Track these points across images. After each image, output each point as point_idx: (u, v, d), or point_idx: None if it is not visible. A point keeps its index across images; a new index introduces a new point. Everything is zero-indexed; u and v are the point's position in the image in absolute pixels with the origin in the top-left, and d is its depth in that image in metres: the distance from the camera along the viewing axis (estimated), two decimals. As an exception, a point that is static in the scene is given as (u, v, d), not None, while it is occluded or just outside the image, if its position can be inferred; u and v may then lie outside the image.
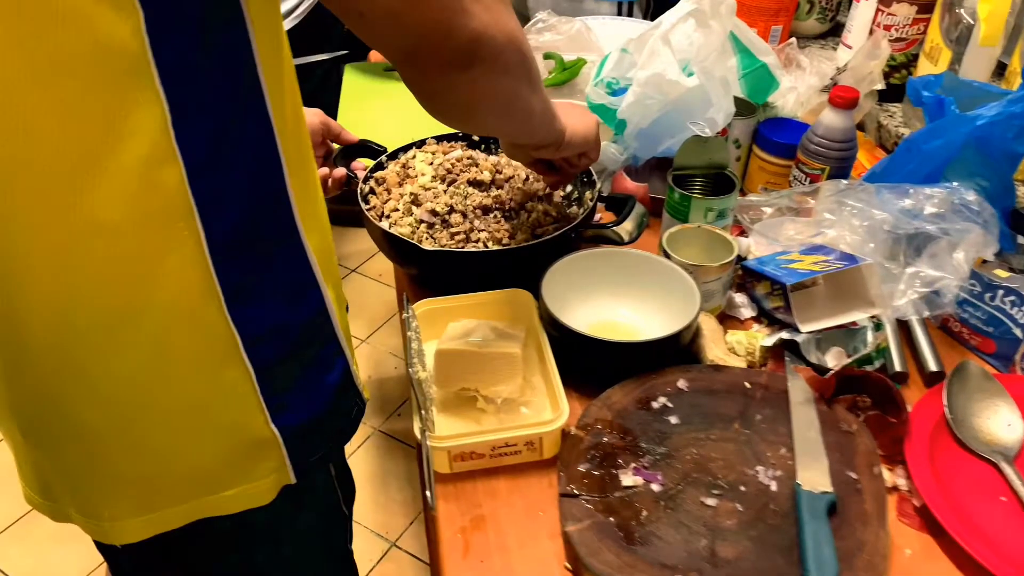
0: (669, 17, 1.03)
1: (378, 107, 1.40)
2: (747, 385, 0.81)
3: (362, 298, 2.19)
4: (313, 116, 1.00)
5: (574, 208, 1.03)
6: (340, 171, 0.99)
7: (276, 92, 0.57)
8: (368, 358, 2.05)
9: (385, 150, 1.05)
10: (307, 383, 0.67)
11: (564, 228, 0.93)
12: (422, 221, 0.94)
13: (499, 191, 0.98)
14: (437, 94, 0.60)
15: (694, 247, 0.93)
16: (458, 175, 1.00)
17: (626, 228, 0.99)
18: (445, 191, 0.98)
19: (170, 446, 0.62)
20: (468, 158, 1.02)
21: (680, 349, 0.84)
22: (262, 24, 0.54)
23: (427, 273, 0.97)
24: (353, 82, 1.45)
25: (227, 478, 0.65)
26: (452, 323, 0.85)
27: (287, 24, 1.68)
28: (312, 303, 0.65)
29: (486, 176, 1.00)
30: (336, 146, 1.04)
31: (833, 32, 1.52)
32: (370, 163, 1.04)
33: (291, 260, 0.62)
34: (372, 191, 1.01)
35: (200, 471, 0.64)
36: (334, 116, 1.30)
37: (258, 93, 0.55)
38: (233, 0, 0.51)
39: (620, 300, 0.92)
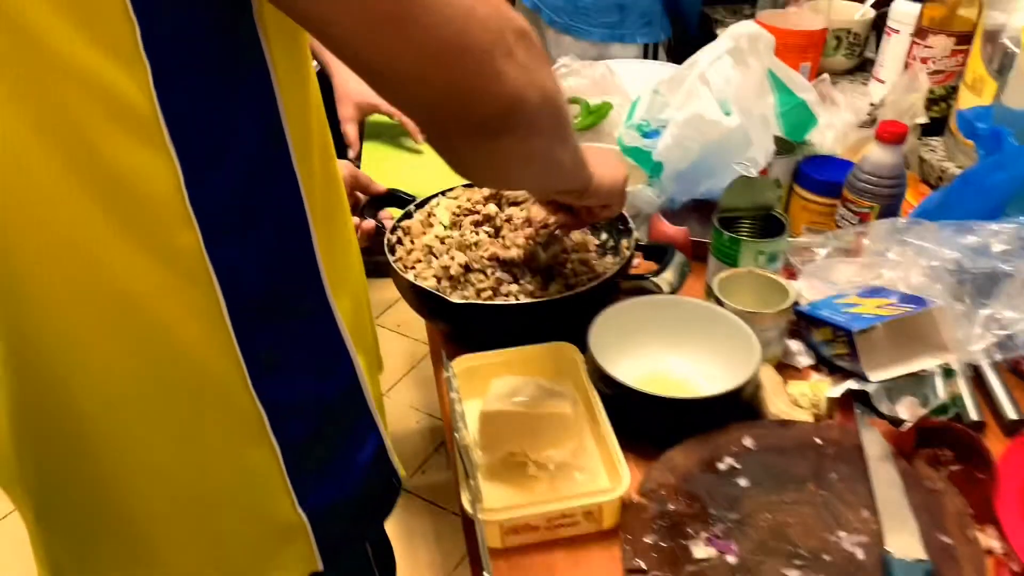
0: (705, 56, 1.00)
1: (403, 154, 1.36)
2: (818, 441, 0.75)
3: (381, 350, 2.14)
4: (342, 168, 0.96)
5: (609, 257, 0.98)
6: (369, 223, 0.95)
7: (303, 145, 0.52)
8: (388, 412, 1.98)
9: (414, 199, 1.02)
10: (337, 461, 0.62)
11: (602, 279, 0.88)
12: (438, 277, 0.90)
13: (514, 236, 0.93)
14: (463, 159, 0.52)
15: (746, 292, 0.88)
16: (463, 219, 0.96)
17: (666, 278, 0.93)
18: (461, 240, 0.93)
19: (189, 528, 0.57)
20: (489, 199, 0.98)
21: (741, 403, 0.78)
22: (287, 69, 0.49)
23: (458, 328, 0.92)
24: (377, 128, 1.41)
25: (249, 565, 0.60)
26: (495, 379, 0.80)
27: None
28: (342, 375, 0.60)
29: (491, 210, 0.96)
30: (363, 197, 1.00)
31: (861, 68, 1.49)
32: (398, 213, 1.00)
33: (319, 329, 0.58)
34: (399, 241, 0.97)
35: (220, 557, 0.59)
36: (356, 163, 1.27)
37: (283, 147, 0.51)
38: (254, 45, 0.47)
39: (670, 350, 0.87)
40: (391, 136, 1.39)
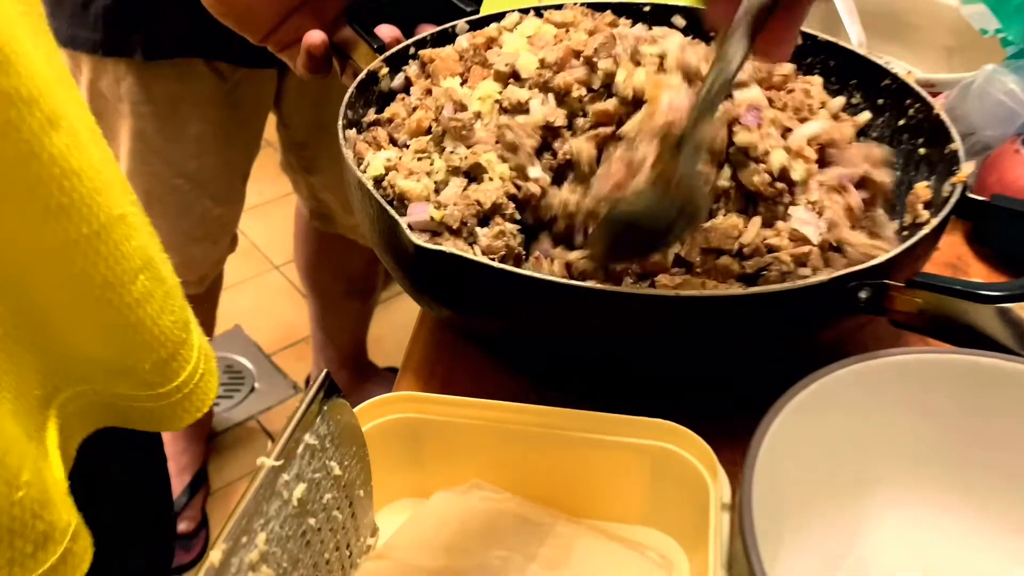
0: None
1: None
2: None
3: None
4: None
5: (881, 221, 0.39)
6: (315, 36, 0.44)
7: None
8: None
9: (476, 10, 0.48)
10: None
11: (850, 269, 0.31)
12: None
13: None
14: None
15: None
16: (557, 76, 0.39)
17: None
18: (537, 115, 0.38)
19: None
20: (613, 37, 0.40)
21: None
22: None
23: (455, 313, 0.39)
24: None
25: None
26: (441, 494, 0.27)
27: None
28: None
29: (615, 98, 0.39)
30: None
31: None
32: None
33: None
34: (407, 87, 0.44)
35: None
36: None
37: None
38: None
39: (989, 516, 0.30)
40: None
